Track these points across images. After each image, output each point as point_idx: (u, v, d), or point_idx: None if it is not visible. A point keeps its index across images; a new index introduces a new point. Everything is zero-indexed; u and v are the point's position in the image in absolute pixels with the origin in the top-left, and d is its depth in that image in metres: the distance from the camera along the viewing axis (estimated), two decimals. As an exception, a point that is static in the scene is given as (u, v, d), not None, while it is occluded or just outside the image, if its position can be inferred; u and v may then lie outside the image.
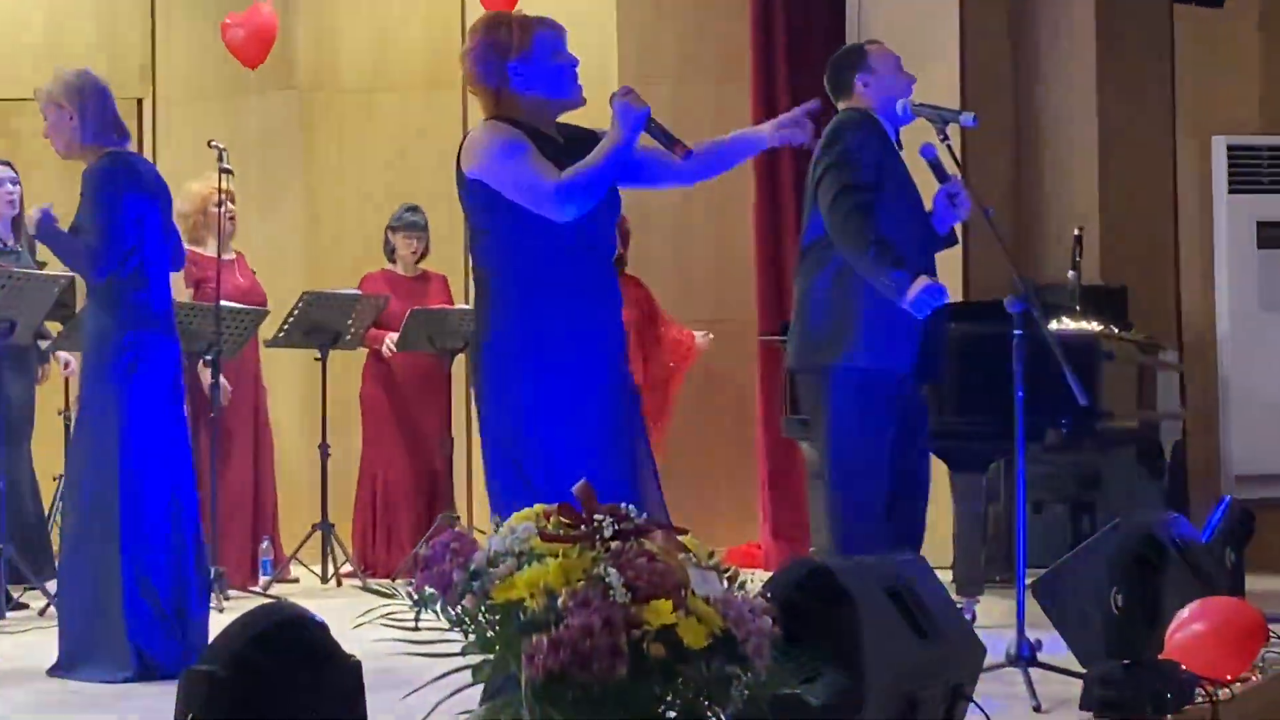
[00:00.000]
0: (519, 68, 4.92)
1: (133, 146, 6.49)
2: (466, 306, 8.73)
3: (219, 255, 8.53)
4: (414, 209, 9.49)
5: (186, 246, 8.79)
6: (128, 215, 6.28)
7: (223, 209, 8.63)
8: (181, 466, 6.43)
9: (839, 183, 6.20)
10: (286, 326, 8.91)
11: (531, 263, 4.83)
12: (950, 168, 6.16)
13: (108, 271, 6.28)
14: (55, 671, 6.28)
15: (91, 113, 6.37)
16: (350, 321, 9.02)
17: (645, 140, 4.85)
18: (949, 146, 6.12)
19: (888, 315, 6.13)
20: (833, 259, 6.22)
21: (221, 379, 8.46)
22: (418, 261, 9.58)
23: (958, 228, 6.51)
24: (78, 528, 6.33)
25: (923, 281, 6.01)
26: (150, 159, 10.71)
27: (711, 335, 9.35)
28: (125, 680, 6.10)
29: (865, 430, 6.19)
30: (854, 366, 6.18)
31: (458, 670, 3.65)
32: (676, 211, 9.95)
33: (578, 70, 4.95)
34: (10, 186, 8.23)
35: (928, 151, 6.09)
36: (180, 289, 8.32)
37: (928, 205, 6.39)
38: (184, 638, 6.21)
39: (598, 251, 4.95)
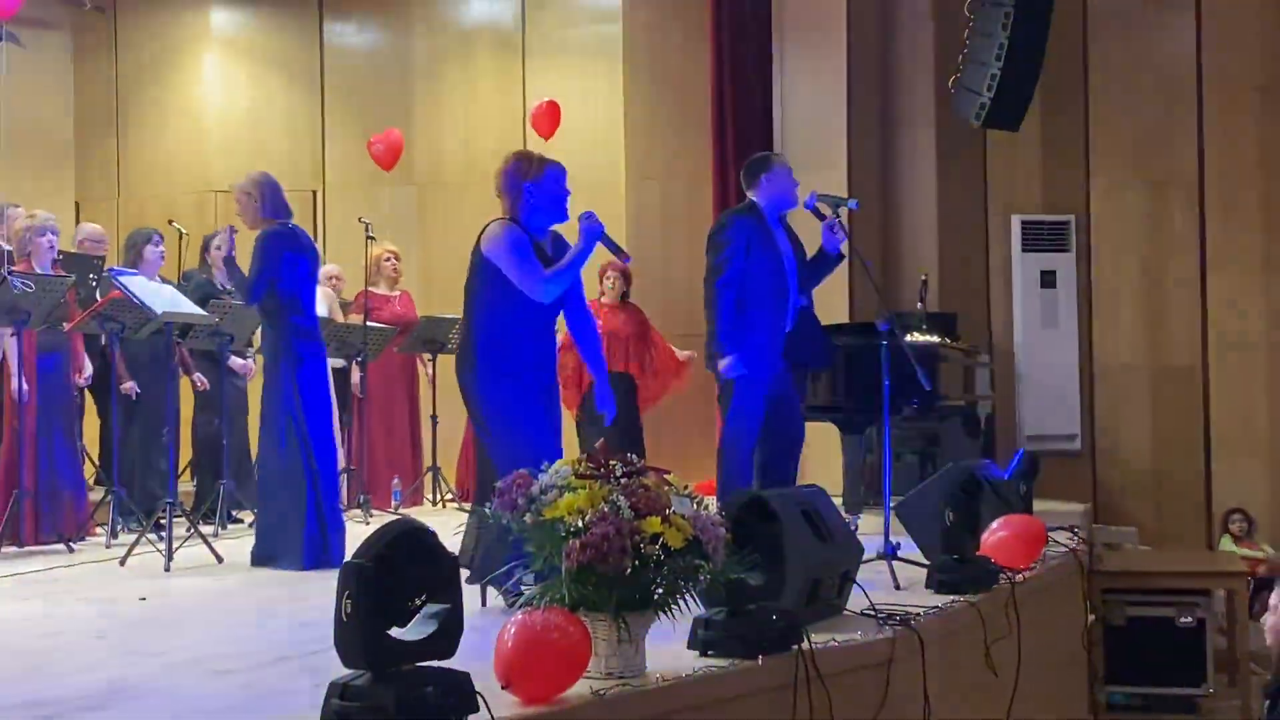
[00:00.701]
0: (531, 188, 4.93)
1: (307, 222, 6.48)
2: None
3: (366, 288, 8.59)
4: None
5: (365, 287, 8.86)
6: (284, 264, 6.19)
7: (389, 262, 8.98)
8: (330, 429, 6.39)
9: (709, 265, 6.08)
10: (410, 339, 8.91)
11: (505, 313, 4.86)
12: (827, 212, 5.96)
13: (254, 300, 6.22)
14: (256, 562, 6.27)
15: (268, 199, 6.30)
16: (450, 336, 9.00)
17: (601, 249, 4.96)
18: (840, 222, 6.01)
19: (750, 340, 6.00)
20: (716, 298, 6.07)
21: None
22: None
23: (845, 262, 6.29)
24: (272, 470, 6.27)
25: (729, 360, 5.98)
26: (321, 231, 10.75)
27: (692, 352, 9.22)
28: (303, 569, 6.10)
29: (740, 416, 6.05)
30: (729, 375, 6.05)
31: (519, 563, 3.65)
32: (663, 251, 9.91)
33: (569, 199, 4.99)
34: (231, 238, 8.20)
35: (809, 202, 5.96)
36: (338, 314, 8.37)
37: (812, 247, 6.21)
38: (340, 543, 6.19)
39: (548, 325, 4.97)
